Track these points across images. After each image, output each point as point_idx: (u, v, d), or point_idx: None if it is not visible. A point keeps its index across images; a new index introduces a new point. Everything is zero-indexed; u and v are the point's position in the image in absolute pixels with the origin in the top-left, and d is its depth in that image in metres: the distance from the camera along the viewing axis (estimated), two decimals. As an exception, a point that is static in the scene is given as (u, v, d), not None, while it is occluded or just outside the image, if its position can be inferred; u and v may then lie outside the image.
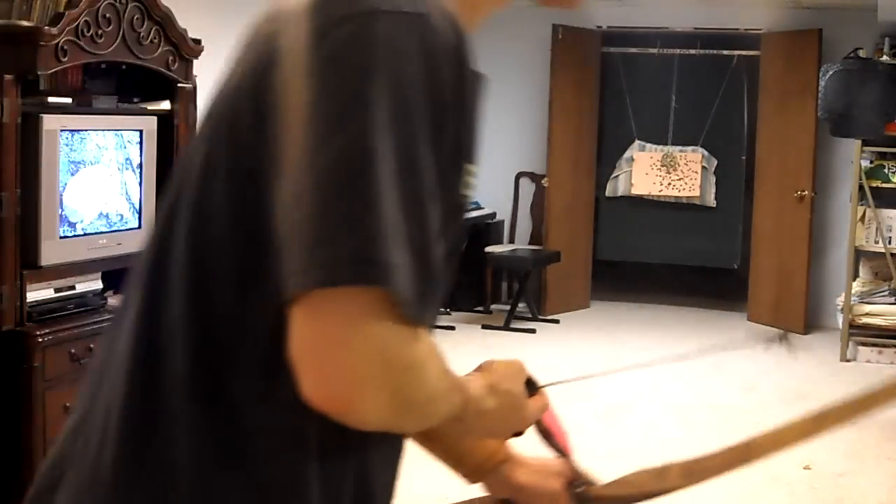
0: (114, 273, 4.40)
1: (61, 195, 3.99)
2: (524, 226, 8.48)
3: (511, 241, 8.40)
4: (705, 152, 8.22)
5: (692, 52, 8.19)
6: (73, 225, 4.08)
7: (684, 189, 8.20)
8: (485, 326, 7.51)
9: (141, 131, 4.39)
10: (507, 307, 7.72)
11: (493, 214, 8.28)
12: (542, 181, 8.17)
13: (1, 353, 3.79)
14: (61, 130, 3.95)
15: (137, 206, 4.41)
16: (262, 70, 0.94)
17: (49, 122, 3.88)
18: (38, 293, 3.95)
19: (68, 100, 4.08)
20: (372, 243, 0.85)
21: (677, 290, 8.46)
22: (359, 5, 0.88)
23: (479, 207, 8.18)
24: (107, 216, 4.27)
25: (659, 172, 8.25)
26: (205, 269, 0.96)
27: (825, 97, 6.81)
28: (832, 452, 4.97)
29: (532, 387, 1.19)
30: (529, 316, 7.76)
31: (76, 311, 4.10)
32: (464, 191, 0.98)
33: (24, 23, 3.84)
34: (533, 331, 7.42)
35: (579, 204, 8.18)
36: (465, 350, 6.85)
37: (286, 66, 0.91)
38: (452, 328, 7.39)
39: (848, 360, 6.81)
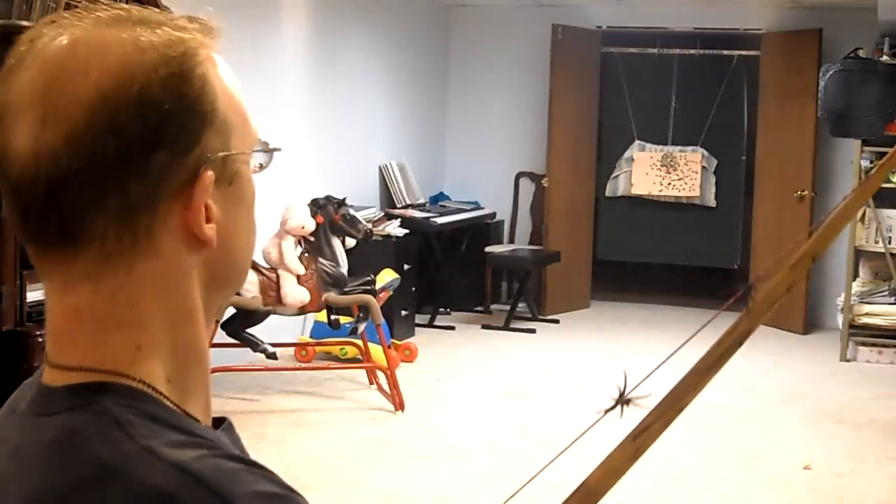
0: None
1: (61, 195, 3.98)
2: (524, 226, 8.48)
3: (511, 241, 8.41)
4: (705, 152, 8.23)
5: (692, 52, 8.19)
6: (73, 225, 4.08)
7: (684, 189, 8.21)
8: (485, 326, 7.51)
9: (141, 131, 4.38)
10: (507, 307, 7.72)
11: (493, 214, 8.28)
12: (542, 181, 8.17)
13: (1, 353, 3.79)
14: (61, 130, 3.94)
15: (137, 206, 4.41)
16: None
17: (49, 122, 3.88)
18: (38, 293, 3.93)
19: (68, 100, 4.07)
20: None
21: (677, 290, 8.46)
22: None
23: (479, 207, 8.18)
24: (107, 216, 4.26)
25: (659, 172, 8.25)
26: None
27: (825, 97, 6.81)
28: (832, 452, 4.97)
29: None
30: (529, 316, 7.76)
31: (76, 311, 4.09)
32: None
33: (24, 23, 3.83)
34: (533, 331, 7.42)
35: (579, 204, 8.18)
36: (465, 350, 6.85)
37: None
38: (452, 328, 7.40)
39: (848, 360, 6.82)
